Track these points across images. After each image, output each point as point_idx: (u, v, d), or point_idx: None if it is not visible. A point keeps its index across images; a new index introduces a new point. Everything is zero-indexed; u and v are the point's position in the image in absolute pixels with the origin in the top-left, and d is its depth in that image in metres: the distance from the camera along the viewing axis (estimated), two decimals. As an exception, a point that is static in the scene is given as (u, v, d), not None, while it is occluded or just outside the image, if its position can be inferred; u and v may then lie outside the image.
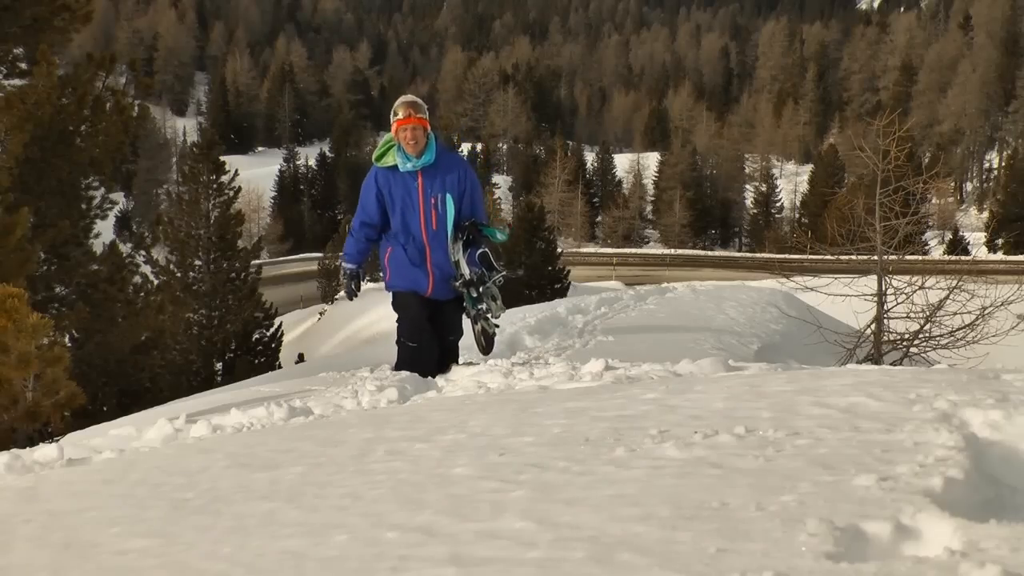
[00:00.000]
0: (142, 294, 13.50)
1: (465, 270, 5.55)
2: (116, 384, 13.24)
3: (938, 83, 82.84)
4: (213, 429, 3.84)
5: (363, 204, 5.62)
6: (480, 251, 5.52)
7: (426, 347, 5.55)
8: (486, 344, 5.83)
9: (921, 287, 9.74)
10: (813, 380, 2.86)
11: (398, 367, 5.60)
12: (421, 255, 5.54)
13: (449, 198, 5.53)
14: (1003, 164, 73.20)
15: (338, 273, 36.01)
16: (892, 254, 10.01)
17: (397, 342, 5.68)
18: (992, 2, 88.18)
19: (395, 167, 5.48)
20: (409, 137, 5.38)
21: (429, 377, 5.29)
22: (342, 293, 6.22)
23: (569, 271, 31.70)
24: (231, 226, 21.07)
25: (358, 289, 5.79)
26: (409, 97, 5.66)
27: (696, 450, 2.06)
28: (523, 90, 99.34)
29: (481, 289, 5.56)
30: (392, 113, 5.46)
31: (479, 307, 5.66)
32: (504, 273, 5.54)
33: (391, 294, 5.66)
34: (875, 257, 9.86)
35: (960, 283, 9.87)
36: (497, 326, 5.93)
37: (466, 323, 5.85)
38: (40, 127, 11.45)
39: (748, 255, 59.37)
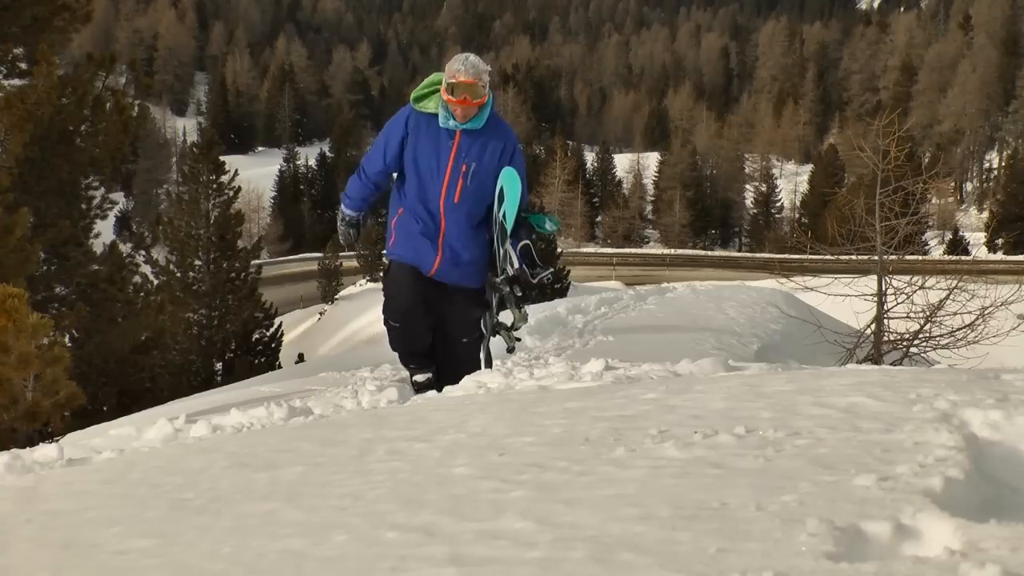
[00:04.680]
0: (142, 294, 13.52)
1: (514, 261, 4.55)
2: (116, 384, 13.26)
3: (938, 83, 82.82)
4: (213, 429, 3.84)
5: (385, 144, 4.61)
6: (523, 243, 4.59)
7: (414, 326, 4.62)
8: (486, 360, 4.92)
9: (921, 287, 9.74)
10: (813, 380, 2.85)
11: (391, 343, 4.80)
12: (434, 229, 4.54)
13: (511, 178, 4.49)
14: (1003, 164, 73.18)
15: (337, 273, 35.90)
16: (892, 254, 10.01)
17: (385, 323, 4.76)
18: (992, 2, 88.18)
19: (434, 116, 4.50)
20: (460, 113, 4.42)
21: (429, 383, 4.60)
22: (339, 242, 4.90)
23: (569, 271, 31.68)
24: (231, 226, 21.10)
25: (358, 238, 4.90)
26: (471, 64, 4.39)
27: (696, 450, 2.06)
28: (523, 90, 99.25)
29: (524, 290, 4.62)
30: (445, 78, 4.39)
31: (509, 307, 4.70)
32: (551, 270, 4.67)
33: (388, 263, 4.75)
34: (875, 257, 9.86)
35: (960, 283, 9.87)
36: (519, 339, 5.03)
37: None
38: (40, 127, 11.47)
39: (748, 255, 59.36)
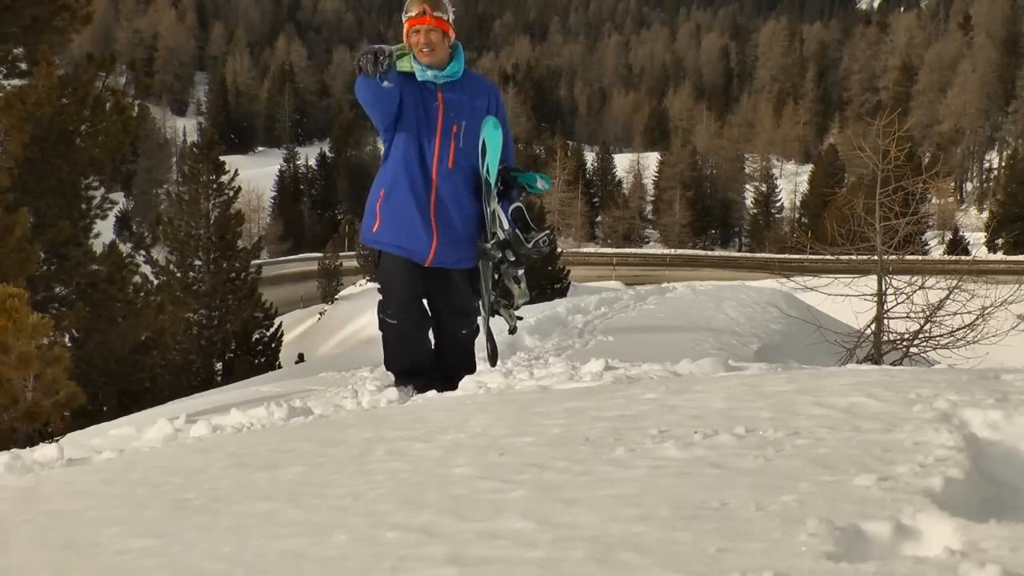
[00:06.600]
0: (142, 294, 13.51)
1: (503, 223, 4.12)
2: (116, 384, 13.26)
3: (938, 83, 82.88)
4: (213, 429, 3.84)
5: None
6: (515, 205, 4.19)
7: (414, 327, 4.28)
8: (492, 351, 4.49)
9: (921, 287, 9.75)
10: (813, 380, 2.85)
11: (387, 360, 4.48)
12: (425, 202, 4.08)
13: (492, 128, 4.08)
14: (1003, 164, 73.20)
15: (337, 273, 35.80)
16: (892, 254, 10.02)
17: (380, 324, 4.36)
18: (992, 2, 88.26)
19: (411, 74, 4.06)
20: (422, 42, 3.97)
21: (426, 382, 4.28)
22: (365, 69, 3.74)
23: (569, 271, 31.66)
24: (231, 226, 21.10)
25: (391, 63, 3.79)
26: None
27: (696, 450, 2.06)
28: (523, 90, 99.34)
29: (518, 254, 4.13)
30: (403, 11, 4.03)
31: (506, 282, 4.26)
32: (548, 232, 4.14)
33: (378, 254, 4.26)
34: (875, 257, 9.87)
35: (960, 283, 9.88)
36: (520, 318, 4.59)
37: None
38: (40, 127, 11.46)
39: (748, 255, 59.40)
